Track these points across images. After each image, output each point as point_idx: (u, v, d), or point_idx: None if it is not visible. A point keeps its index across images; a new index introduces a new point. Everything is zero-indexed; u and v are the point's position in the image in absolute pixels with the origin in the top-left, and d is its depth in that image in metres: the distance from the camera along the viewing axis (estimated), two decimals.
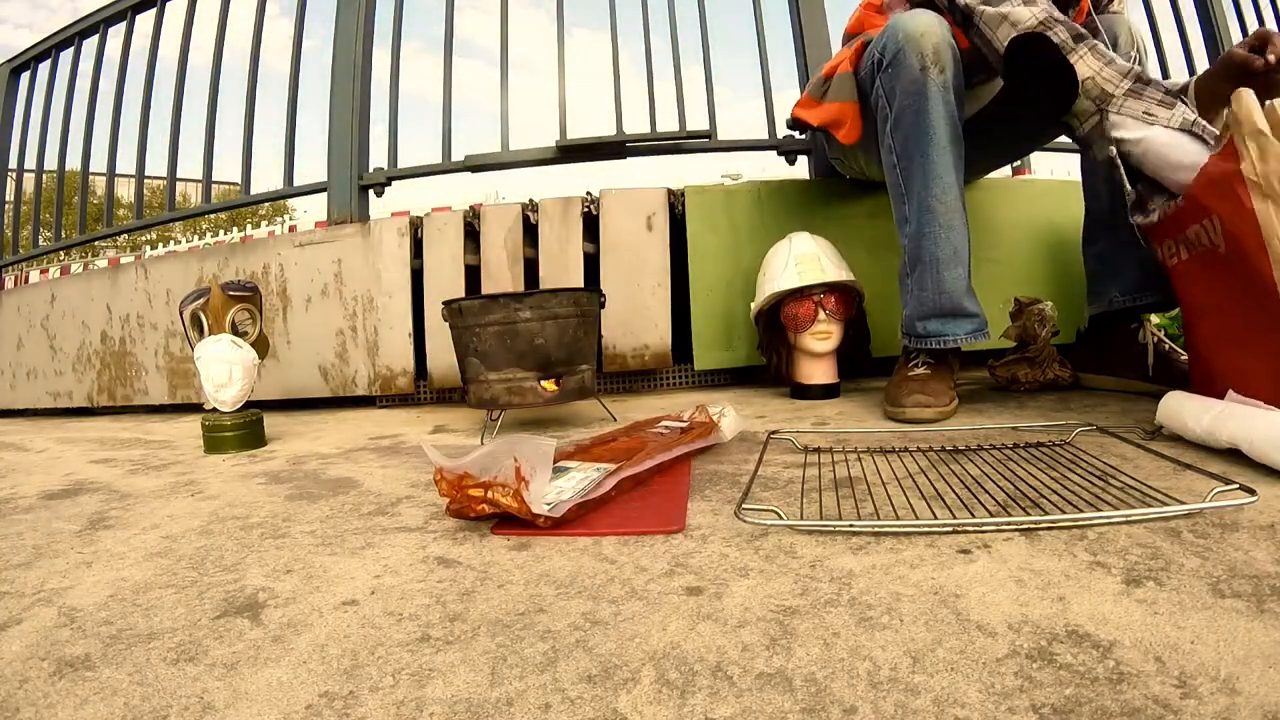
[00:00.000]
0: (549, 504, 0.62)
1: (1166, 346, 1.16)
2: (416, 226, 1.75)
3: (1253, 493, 0.55)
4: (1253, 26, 2.07)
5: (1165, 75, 1.96)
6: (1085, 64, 0.91)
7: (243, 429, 1.23)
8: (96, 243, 2.86)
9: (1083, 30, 0.94)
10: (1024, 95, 1.00)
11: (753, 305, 1.43)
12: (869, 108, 1.21)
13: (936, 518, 0.58)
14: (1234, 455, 0.70)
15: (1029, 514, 0.58)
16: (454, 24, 1.87)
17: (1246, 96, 0.72)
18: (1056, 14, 0.96)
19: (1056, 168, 2.11)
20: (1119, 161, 0.91)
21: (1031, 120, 1.32)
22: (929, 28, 1.04)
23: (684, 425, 0.96)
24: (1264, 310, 0.73)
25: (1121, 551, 0.49)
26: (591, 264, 1.71)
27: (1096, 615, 0.40)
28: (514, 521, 0.64)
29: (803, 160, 1.77)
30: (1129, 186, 0.92)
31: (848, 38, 1.39)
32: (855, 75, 1.24)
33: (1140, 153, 0.90)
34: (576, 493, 0.66)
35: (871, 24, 1.31)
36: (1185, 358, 1.08)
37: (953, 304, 1.11)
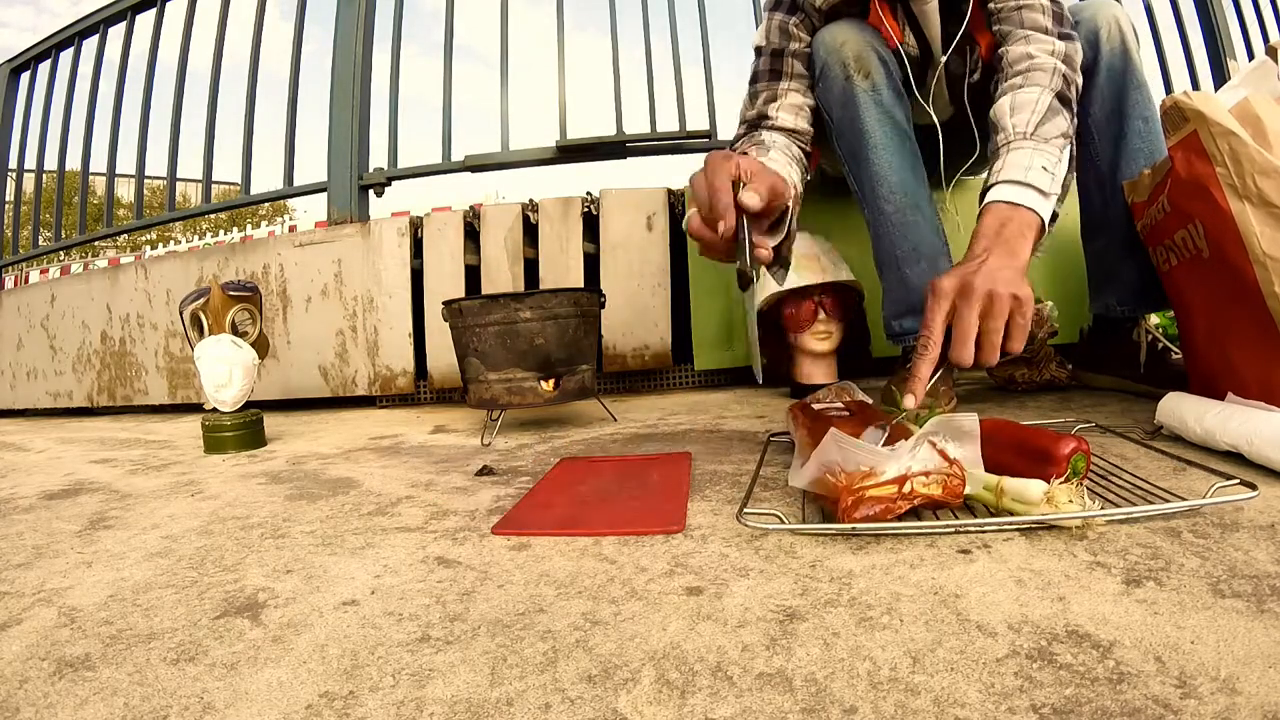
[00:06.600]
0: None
1: (1160, 345, 1.15)
2: (416, 226, 1.75)
3: (1254, 488, 0.55)
4: (1253, 26, 2.06)
5: (1165, 76, 1.96)
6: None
7: (243, 429, 1.23)
8: (96, 243, 2.86)
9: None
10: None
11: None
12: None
13: (937, 518, 0.58)
14: (1234, 456, 0.70)
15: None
16: (454, 24, 1.87)
17: (1210, 98, 0.72)
18: None
19: None
20: None
21: None
22: (847, 37, 1.06)
23: (846, 411, 0.86)
24: (1249, 312, 0.73)
25: (1121, 551, 0.49)
26: (591, 264, 1.71)
27: (1096, 615, 0.40)
28: (514, 522, 0.64)
29: None
30: None
31: None
32: None
33: None
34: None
35: None
36: (1179, 357, 1.08)
37: (921, 299, 1.11)
